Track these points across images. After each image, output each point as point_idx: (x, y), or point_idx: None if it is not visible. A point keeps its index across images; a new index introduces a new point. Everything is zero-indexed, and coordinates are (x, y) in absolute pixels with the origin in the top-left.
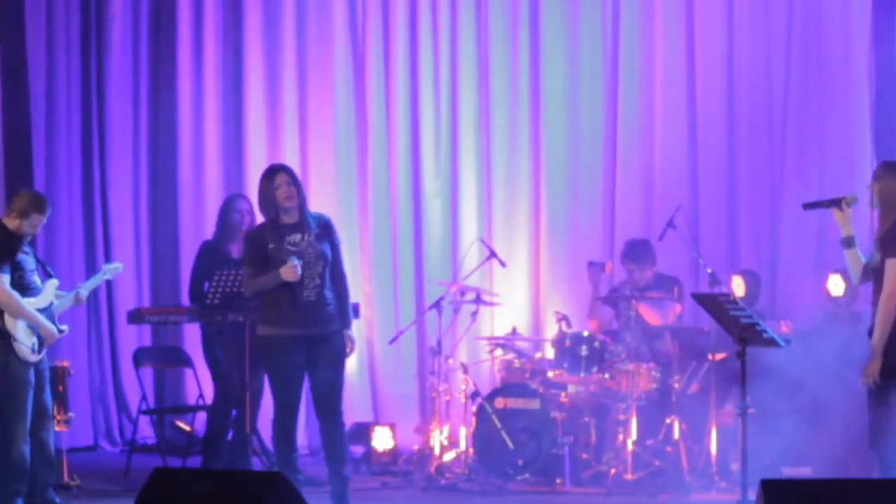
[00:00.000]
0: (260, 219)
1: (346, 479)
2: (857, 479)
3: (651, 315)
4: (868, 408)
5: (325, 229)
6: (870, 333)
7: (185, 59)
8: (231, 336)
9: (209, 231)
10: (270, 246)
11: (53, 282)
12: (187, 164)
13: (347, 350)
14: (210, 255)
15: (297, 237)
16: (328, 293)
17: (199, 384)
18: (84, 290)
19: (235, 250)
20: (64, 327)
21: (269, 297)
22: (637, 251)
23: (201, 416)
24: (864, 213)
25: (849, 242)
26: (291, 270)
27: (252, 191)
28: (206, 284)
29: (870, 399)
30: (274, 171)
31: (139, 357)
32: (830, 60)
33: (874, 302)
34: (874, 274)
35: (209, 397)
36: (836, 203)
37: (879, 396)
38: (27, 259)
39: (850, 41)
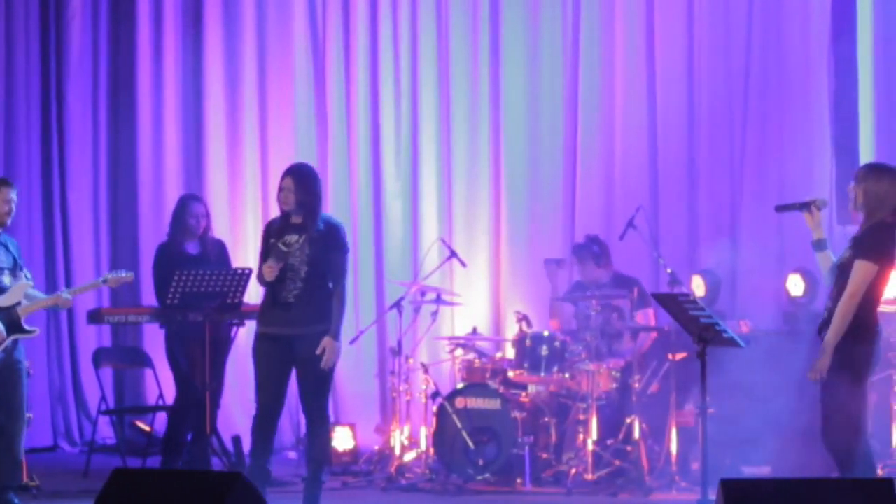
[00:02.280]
0: (217, 217)
1: (322, 482)
2: (817, 478)
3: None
4: (821, 403)
5: (329, 235)
6: (820, 329)
7: (144, 58)
8: (191, 336)
9: (166, 232)
10: (272, 241)
11: (22, 283)
12: (147, 163)
13: (322, 353)
14: (168, 257)
15: (293, 237)
16: (312, 296)
17: (159, 384)
18: (67, 294)
19: (192, 247)
20: (33, 329)
21: (264, 297)
22: (578, 250)
23: (161, 417)
24: (826, 216)
25: (820, 245)
26: (267, 270)
27: (212, 192)
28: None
29: (823, 394)
30: (284, 174)
31: (99, 357)
32: (790, 61)
33: (832, 297)
34: (839, 269)
35: (169, 397)
36: (807, 206)
37: (833, 392)
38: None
39: (809, 41)
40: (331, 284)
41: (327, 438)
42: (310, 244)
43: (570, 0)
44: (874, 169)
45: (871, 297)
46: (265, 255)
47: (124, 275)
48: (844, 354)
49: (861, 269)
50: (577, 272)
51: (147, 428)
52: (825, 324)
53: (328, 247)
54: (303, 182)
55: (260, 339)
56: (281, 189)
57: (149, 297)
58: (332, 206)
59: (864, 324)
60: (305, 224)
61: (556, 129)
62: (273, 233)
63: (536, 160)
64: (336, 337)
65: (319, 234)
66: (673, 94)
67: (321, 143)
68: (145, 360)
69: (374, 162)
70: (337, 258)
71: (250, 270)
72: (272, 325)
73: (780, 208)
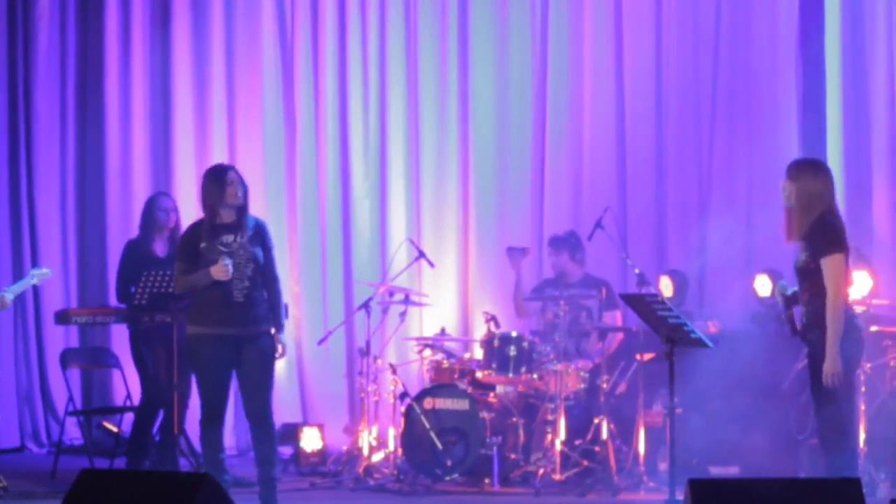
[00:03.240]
0: (186, 215)
1: (275, 480)
2: (784, 478)
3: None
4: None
5: (260, 233)
6: (793, 333)
7: (112, 56)
8: (158, 337)
9: (137, 232)
10: (203, 244)
11: None
12: (115, 164)
13: (277, 354)
14: (135, 255)
15: (230, 238)
16: (257, 295)
17: (127, 385)
18: (9, 294)
19: (160, 248)
20: None
21: (199, 297)
22: (556, 241)
23: (129, 418)
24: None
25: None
26: (222, 269)
27: (180, 191)
28: (133, 285)
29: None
30: (225, 169)
31: (66, 358)
32: (758, 61)
33: (801, 300)
34: (800, 274)
35: (136, 398)
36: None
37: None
38: None
39: (777, 42)
40: (268, 283)
41: (274, 437)
42: (249, 242)
43: (539, 2)
44: (809, 165)
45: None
46: (194, 258)
47: (44, 270)
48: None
49: (831, 265)
50: (550, 265)
51: (114, 429)
52: (807, 326)
53: (266, 245)
54: (242, 179)
55: (203, 341)
56: (229, 183)
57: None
58: (300, 207)
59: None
60: (239, 223)
61: (525, 129)
62: (203, 236)
63: (505, 161)
64: (283, 332)
65: (252, 232)
66: (641, 94)
67: (289, 142)
68: (113, 361)
69: (343, 162)
70: (272, 255)
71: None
72: (220, 325)
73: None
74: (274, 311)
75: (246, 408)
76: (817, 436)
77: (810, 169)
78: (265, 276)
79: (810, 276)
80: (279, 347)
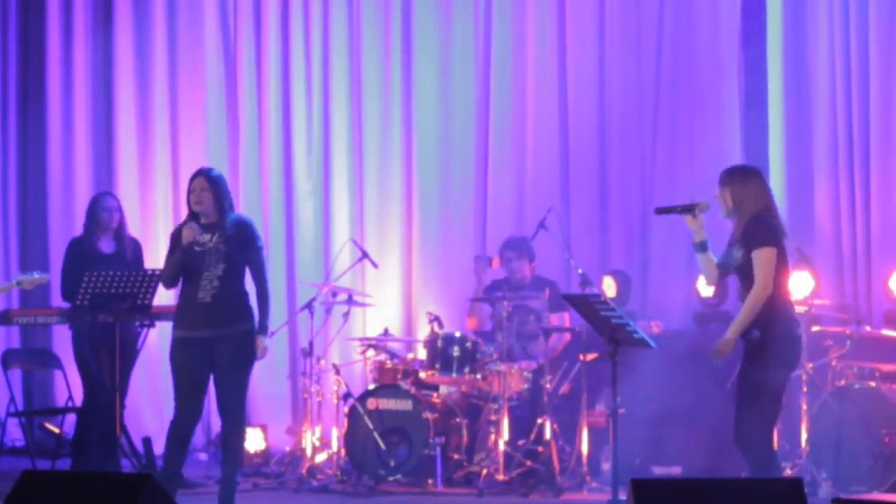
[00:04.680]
0: (130, 215)
1: (236, 484)
2: (727, 478)
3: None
4: (742, 404)
5: (241, 232)
6: (744, 333)
7: (54, 59)
8: (101, 337)
9: (79, 232)
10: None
11: None
12: (57, 164)
13: (258, 355)
14: (79, 252)
15: (206, 237)
16: (229, 295)
17: (69, 386)
18: None
19: (105, 245)
20: None
21: (179, 299)
22: (518, 244)
23: (70, 419)
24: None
25: (702, 247)
26: (189, 231)
27: (123, 190)
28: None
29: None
30: (194, 175)
31: (8, 358)
32: (701, 63)
33: (742, 298)
34: (739, 272)
35: (78, 399)
36: (689, 210)
37: (753, 389)
38: None
39: (719, 44)
40: (254, 282)
41: (243, 440)
42: (224, 242)
43: (483, 2)
44: (738, 172)
45: (780, 290)
46: (172, 255)
47: (38, 276)
48: (769, 352)
49: (762, 257)
50: (505, 268)
51: (56, 430)
52: (748, 326)
53: (244, 244)
54: (216, 182)
55: (178, 345)
56: (192, 191)
57: (59, 298)
58: (244, 207)
59: (783, 318)
60: (217, 223)
61: (468, 130)
62: (180, 236)
63: (448, 161)
64: (266, 333)
65: (232, 231)
66: (584, 95)
67: (232, 143)
68: (54, 362)
69: (286, 162)
70: (255, 254)
71: (161, 272)
72: (190, 328)
73: (661, 210)
74: (261, 312)
75: (219, 408)
76: (734, 433)
77: (739, 175)
78: (253, 275)
79: (748, 274)
80: (259, 348)
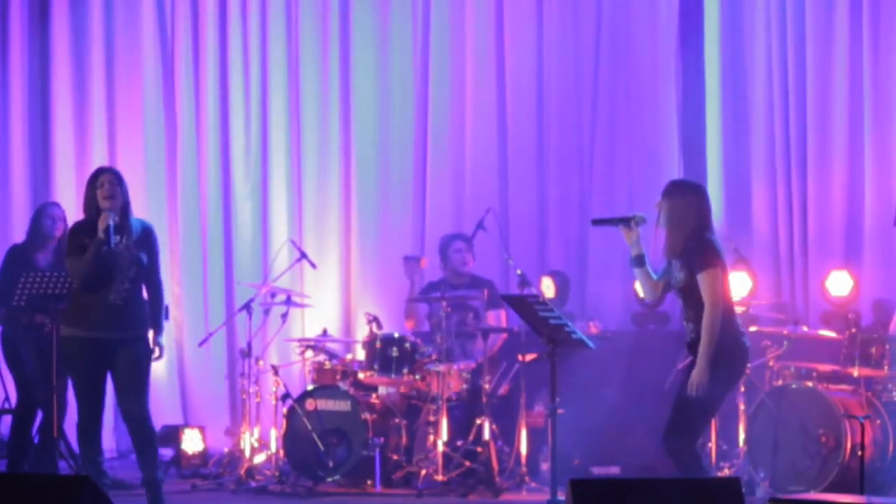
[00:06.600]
0: (71, 221)
1: (160, 482)
2: (665, 478)
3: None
4: (677, 408)
5: (146, 236)
6: (689, 347)
7: None
8: (36, 338)
9: (15, 234)
10: (86, 241)
11: None
12: None
13: (156, 355)
14: (17, 260)
15: (116, 238)
16: (137, 298)
17: (4, 387)
18: None
19: (42, 259)
20: None
21: (76, 299)
22: (470, 240)
23: (6, 420)
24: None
25: (639, 261)
26: (105, 216)
27: (60, 194)
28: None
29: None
30: (99, 172)
31: None
32: (638, 63)
33: (687, 318)
34: (682, 293)
35: (13, 401)
36: (625, 222)
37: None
38: None
39: (657, 43)
40: (150, 288)
41: (154, 439)
42: (136, 245)
43: (421, 6)
44: (679, 185)
45: (726, 304)
46: (83, 251)
47: None
48: (716, 365)
49: (709, 279)
50: (454, 260)
51: None
52: (693, 343)
53: (152, 249)
54: (122, 179)
55: (80, 345)
56: (100, 186)
57: None
58: (181, 208)
59: (729, 331)
60: (124, 224)
61: (406, 130)
62: (86, 233)
63: (386, 162)
64: (162, 333)
65: (140, 235)
66: (522, 95)
67: (170, 143)
68: None
69: (224, 163)
70: (157, 260)
71: (74, 272)
72: (95, 328)
73: (597, 222)
74: (154, 314)
75: (123, 411)
76: (663, 435)
77: (679, 189)
78: (149, 279)
79: (692, 295)
80: (156, 350)
